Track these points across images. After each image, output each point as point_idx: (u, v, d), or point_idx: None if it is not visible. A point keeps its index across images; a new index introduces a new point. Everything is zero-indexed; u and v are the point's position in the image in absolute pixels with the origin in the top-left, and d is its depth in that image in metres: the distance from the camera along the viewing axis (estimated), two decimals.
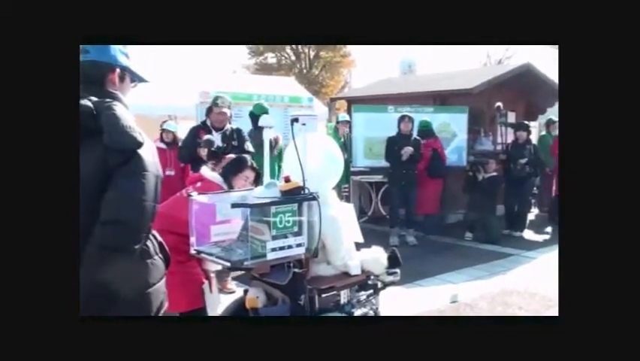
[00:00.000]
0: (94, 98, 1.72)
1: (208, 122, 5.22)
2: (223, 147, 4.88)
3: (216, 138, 4.98)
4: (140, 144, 1.70)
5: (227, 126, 5.18)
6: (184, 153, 5.29)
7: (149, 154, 1.75)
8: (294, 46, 29.90)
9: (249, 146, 5.05)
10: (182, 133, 7.20)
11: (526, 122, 8.67)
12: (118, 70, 1.87)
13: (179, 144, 6.92)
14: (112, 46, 1.85)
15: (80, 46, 1.82)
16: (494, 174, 7.45)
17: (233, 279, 4.95)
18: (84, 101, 1.70)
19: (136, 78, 1.97)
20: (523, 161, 7.50)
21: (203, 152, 4.76)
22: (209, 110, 5.30)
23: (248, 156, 3.56)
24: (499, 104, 8.41)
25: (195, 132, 5.18)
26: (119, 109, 1.72)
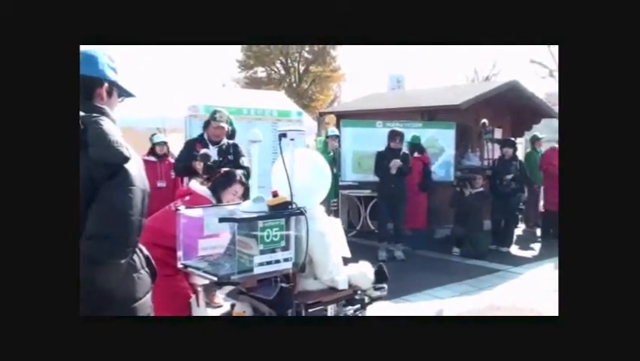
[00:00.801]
0: (81, 113, 1.73)
1: (205, 136, 5.19)
2: (219, 161, 4.86)
3: (213, 152, 4.95)
4: (126, 159, 1.70)
5: (224, 141, 5.16)
6: (179, 166, 5.25)
7: (136, 168, 1.75)
8: (283, 60, 30.03)
9: (244, 161, 5.04)
10: (171, 146, 7.21)
11: (512, 138, 8.77)
12: (106, 85, 1.87)
13: (169, 156, 6.95)
14: (100, 60, 1.86)
15: None
16: (481, 189, 7.51)
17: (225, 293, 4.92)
18: None
19: (123, 93, 1.98)
20: (509, 177, 7.58)
21: (199, 165, 4.74)
22: (206, 124, 5.26)
23: (238, 171, 3.56)
24: (484, 120, 8.51)
25: (192, 146, 5.14)
26: (106, 124, 1.73)
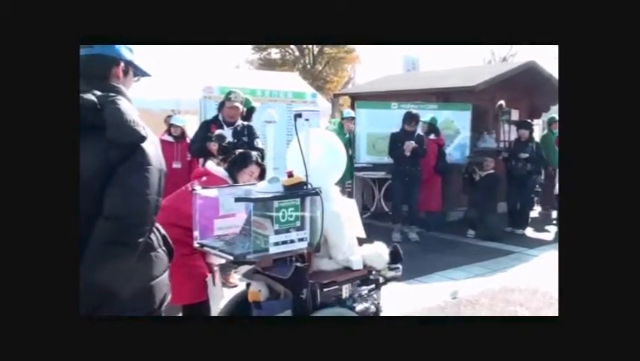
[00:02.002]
0: (97, 93, 1.73)
1: (220, 117, 5.22)
2: (234, 142, 4.88)
3: (227, 133, 4.98)
4: (143, 138, 1.71)
5: (239, 122, 5.18)
6: (195, 147, 5.29)
7: (153, 148, 1.76)
8: None
9: (258, 142, 5.06)
10: (187, 127, 7.24)
11: (529, 120, 8.67)
12: (122, 64, 1.87)
13: (187, 138, 6.98)
14: None
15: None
16: (491, 171, 7.43)
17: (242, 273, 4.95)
18: (88, 96, 1.70)
19: (139, 72, 1.98)
20: (523, 156, 7.49)
21: (214, 146, 4.76)
22: (221, 105, 5.30)
23: (253, 152, 3.58)
24: (501, 102, 8.41)
25: (207, 127, 5.18)
26: (122, 103, 1.73)
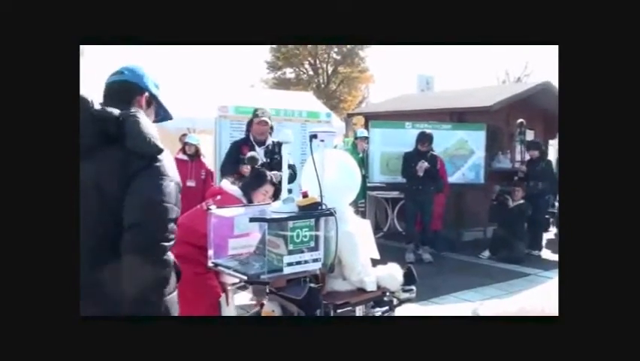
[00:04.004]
0: (118, 111, 1.80)
1: (250, 137, 4.98)
2: (267, 162, 4.70)
3: (260, 153, 4.79)
4: (160, 150, 1.78)
5: (269, 140, 4.94)
6: (226, 170, 4.88)
7: (170, 162, 1.82)
8: (312, 61, 30.07)
9: (289, 159, 4.89)
10: (202, 146, 7.30)
11: (543, 140, 8.63)
12: (146, 94, 1.96)
13: (201, 156, 7.00)
14: (146, 74, 1.96)
15: (119, 69, 1.93)
16: (522, 201, 7.38)
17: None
18: (110, 109, 1.78)
19: (162, 111, 2.06)
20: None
21: (247, 169, 4.55)
22: (249, 124, 5.06)
23: (268, 172, 3.56)
24: (521, 120, 8.37)
25: (237, 148, 4.95)
26: (142, 118, 1.81)
